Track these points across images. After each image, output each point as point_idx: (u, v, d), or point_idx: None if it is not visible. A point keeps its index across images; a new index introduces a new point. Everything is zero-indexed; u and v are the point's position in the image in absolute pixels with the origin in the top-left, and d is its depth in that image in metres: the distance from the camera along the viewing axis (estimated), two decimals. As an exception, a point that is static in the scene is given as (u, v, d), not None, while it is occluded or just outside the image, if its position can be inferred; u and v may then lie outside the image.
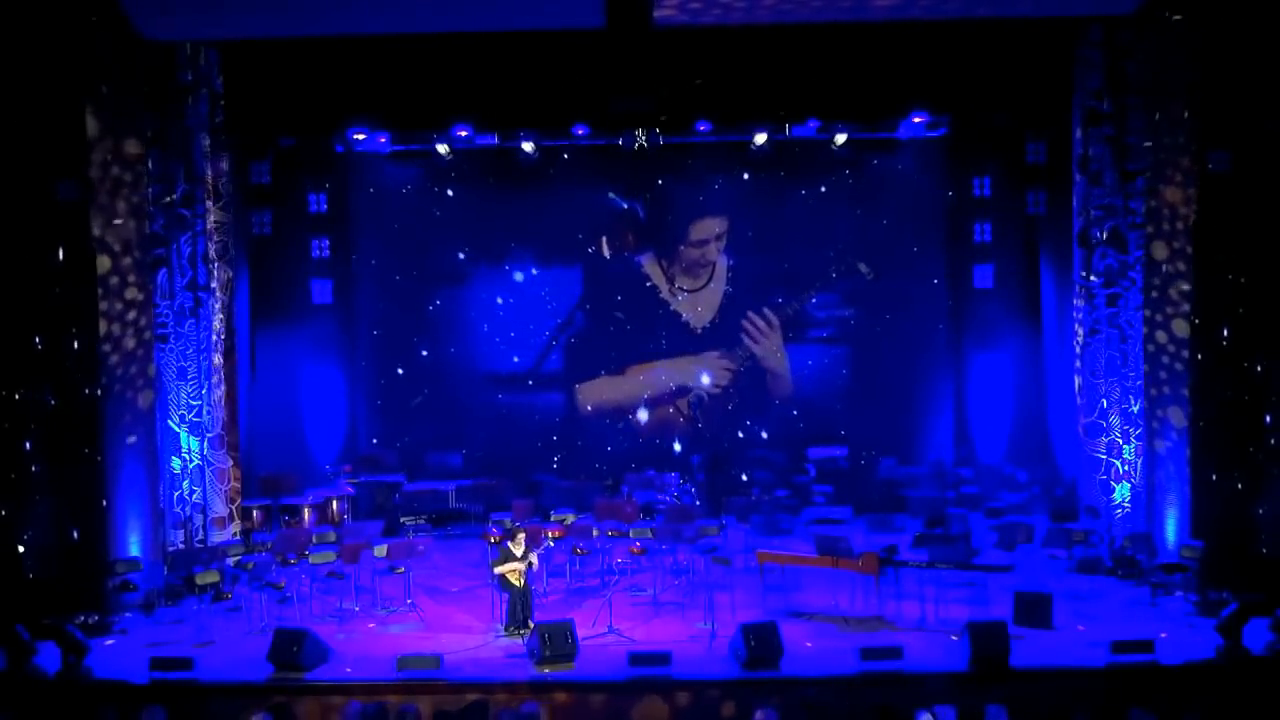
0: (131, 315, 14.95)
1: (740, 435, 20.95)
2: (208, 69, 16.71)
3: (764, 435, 20.87)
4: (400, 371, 20.94)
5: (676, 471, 19.84)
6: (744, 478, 19.86)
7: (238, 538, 16.90)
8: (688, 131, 19.44)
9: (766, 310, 20.93)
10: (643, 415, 21.03)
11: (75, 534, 14.27)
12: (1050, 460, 19.25)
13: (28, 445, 14.15)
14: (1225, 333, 14.22)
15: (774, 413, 21.06)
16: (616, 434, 21.06)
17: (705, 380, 20.98)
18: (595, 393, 21.18)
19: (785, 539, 17.27)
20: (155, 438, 15.54)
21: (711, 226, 20.95)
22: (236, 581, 15.15)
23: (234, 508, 17.28)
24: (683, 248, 21.00)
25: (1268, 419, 14.09)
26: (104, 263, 14.47)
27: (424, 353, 20.96)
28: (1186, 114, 14.46)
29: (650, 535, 15.45)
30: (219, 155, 17.14)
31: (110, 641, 13.55)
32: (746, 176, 20.66)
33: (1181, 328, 14.67)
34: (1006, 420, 20.31)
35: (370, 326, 21.00)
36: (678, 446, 20.94)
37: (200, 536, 16.71)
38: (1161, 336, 15.07)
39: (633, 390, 21.15)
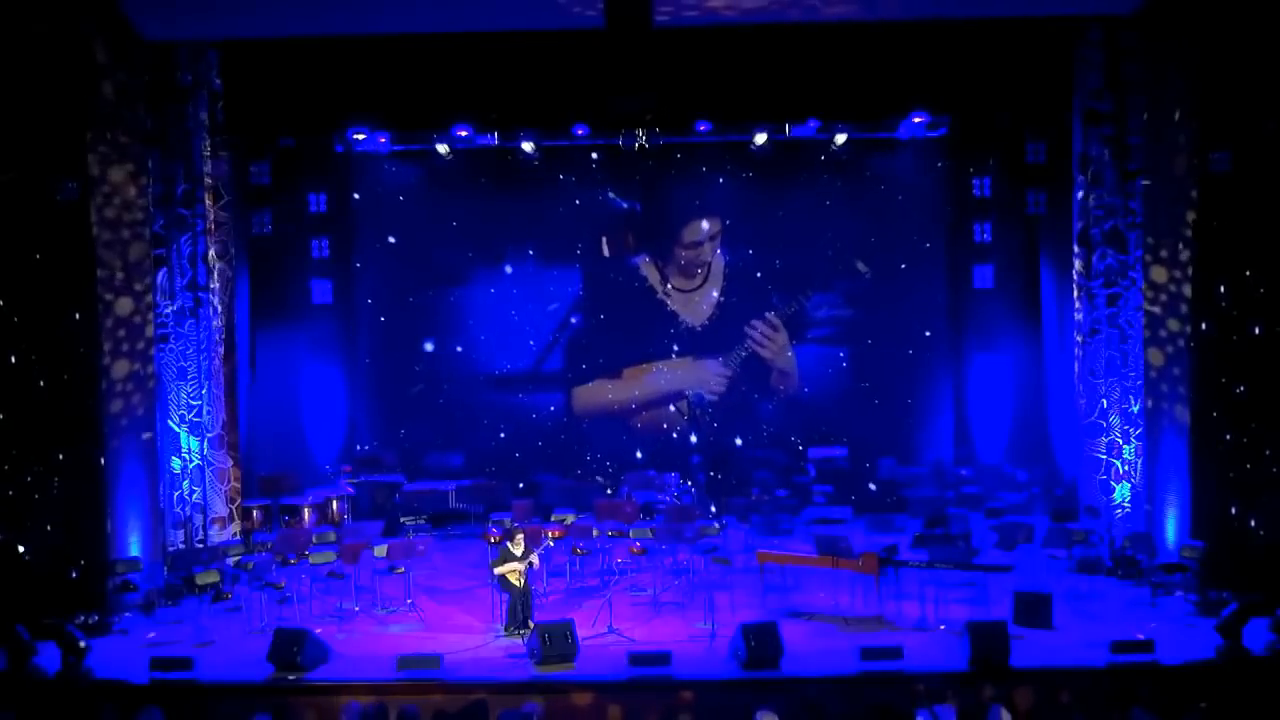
0: (131, 315, 14.94)
1: (740, 435, 20.94)
2: (207, 69, 16.73)
3: (772, 436, 20.87)
4: (400, 371, 20.95)
5: (676, 471, 19.86)
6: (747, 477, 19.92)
7: (238, 538, 16.92)
8: (687, 131, 19.45)
9: (769, 315, 20.93)
10: (642, 416, 21.06)
11: (75, 534, 14.27)
12: (1050, 460, 19.25)
13: (28, 445, 14.15)
14: (1225, 332, 14.20)
15: (774, 413, 21.07)
16: (616, 434, 21.06)
17: (701, 387, 20.99)
18: (593, 394, 21.19)
19: (785, 539, 17.28)
20: (155, 437, 15.53)
21: (704, 227, 20.95)
22: (236, 581, 15.14)
23: (234, 508, 17.30)
24: (677, 248, 21.01)
25: (1268, 419, 14.09)
26: (104, 263, 14.46)
27: (427, 350, 20.96)
28: (1187, 114, 14.45)
29: (650, 535, 15.45)
30: (219, 155, 17.16)
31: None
32: (747, 176, 20.65)
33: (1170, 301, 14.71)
34: (1006, 420, 20.32)
35: (370, 326, 21.01)
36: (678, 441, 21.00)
37: (200, 536, 16.72)
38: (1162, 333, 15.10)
39: (631, 391, 21.15)
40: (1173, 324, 14.80)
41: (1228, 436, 14.16)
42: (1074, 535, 15.52)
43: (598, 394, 21.19)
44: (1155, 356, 15.11)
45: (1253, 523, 14.02)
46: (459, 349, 21.06)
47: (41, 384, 14.19)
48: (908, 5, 15.53)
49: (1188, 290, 14.48)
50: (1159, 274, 14.99)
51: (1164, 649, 12.06)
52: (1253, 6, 13.84)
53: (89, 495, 14.37)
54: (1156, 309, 15.07)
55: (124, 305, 14.82)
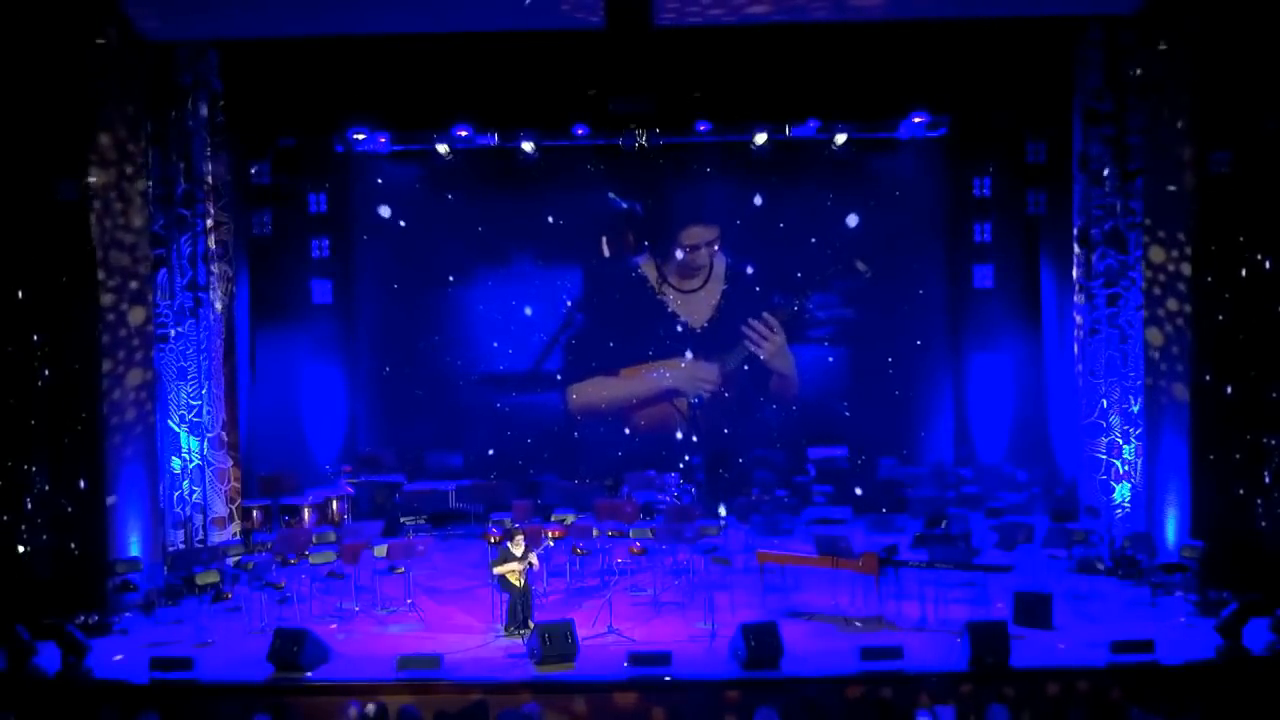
0: (131, 315, 14.94)
1: (739, 435, 20.94)
2: (207, 69, 16.71)
3: (771, 436, 20.85)
4: (400, 371, 20.94)
5: (676, 471, 19.85)
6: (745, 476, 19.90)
7: (238, 538, 16.90)
8: (688, 131, 19.43)
9: (766, 315, 20.93)
10: (642, 416, 21.07)
11: (75, 534, 14.27)
12: (1050, 460, 19.25)
13: (28, 445, 14.15)
14: (1225, 333, 14.21)
15: (774, 413, 21.06)
16: (616, 434, 21.06)
17: (702, 387, 21.01)
18: (591, 393, 21.19)
19: (785, 539, 17.27)
20: (155, 438, 15.54)
21: (701, 233, 20.93)
22: (236, 581, 15.14)
23: (234, 508, 17.28)
24: (677, 248, 21.01)
25: (1267, 420, 14.09)
26: (104, 262, 14.46)
27: (424, 352, 20.96)
28: (1186, 114, 14.45)
29: (650, 535, 15.44)
30: (219, 155, 17.14)
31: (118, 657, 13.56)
32: (746, 176, 20.62)
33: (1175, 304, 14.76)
34: (1006, 420, 20.31)
35: (370, 326, 21.00)
36: (679, 436, 20.99)
37: (200, 536, 16.72)
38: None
39: (631, 391, 21.16)
40: (1171, 304, 14.81)
41: (1227, 423, 14.16)
42: (1074, 535, 15.51)
43: (598, 394, 21.19)
44: (1154, 336, 15.11)
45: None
46: (459, 348, 21.05)
47: (41, 383, 14.20)
48: (909, 5, 15.51)
49: (1186, 269, 14.48)
50: (1158, 255, 14.98)
51: (1164, 649, 12.05)
52: (1252, 7, 13.84)
53: (89, 495, 14.37)
54: (1156, 289, 15.06)
55: (125, 306, 14.82)
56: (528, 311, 21.06)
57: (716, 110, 18.78)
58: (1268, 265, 14.05)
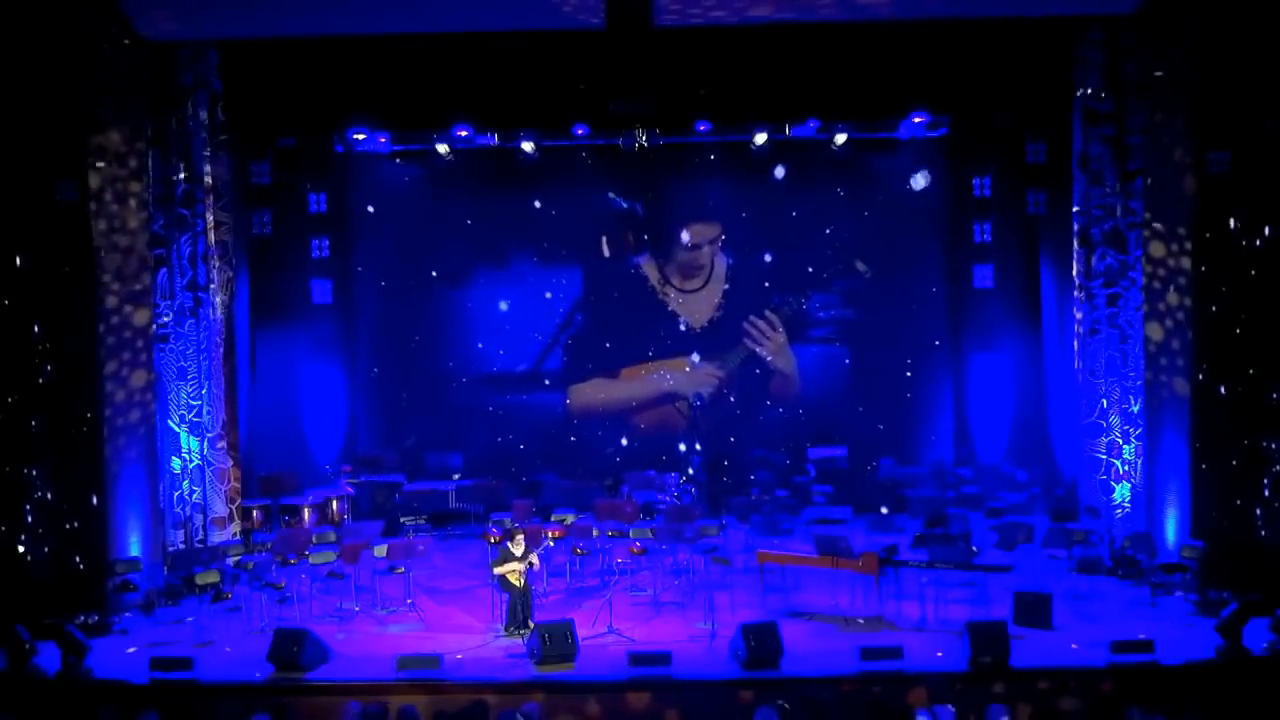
0: (131, 316, 14.94)
1: (740, 435, 20.94)
2: (207, 69, 16.72)
3: (772, 436, 20.82)
4: (400, 371, 20.94)
5: (676, 471, 19.85)
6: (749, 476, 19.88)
7: (238, 538, 16.91)
8: (688, 131, 19.43)
9: (768, 312, 20.94)
10: (643, 417, 21.08)
11: (76, 534, 14.27)
12: (1050, 460, 19.25)
13: (28, 446, 14.15)
14: (1225, 333, 14.21)
15: (774, 413, 21.06)
16: (616, 435, 21.05)
17: (702, 387, 21.01)
18: (591, 394, 21.18)
19: (785, 539, 17.27)
20: (155, 438, 15.54)
21: (703, 231, 20.94)
22: (236, 581, 15.14)
23: (234, 508, 17.29)
24: (678, 249, 21.01)
25: (1268, 420, 14.09)
26: (103, 262, 14.46)
27: (424, 352, 20.96)
28: (1186, 114, 14.46)
29: (650, 535, 15.44)
30: (219, 155, 17.15)
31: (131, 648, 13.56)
32: (747, 176, 20.63)
33: (1175, 298, 14.75)
34: (1006, 420, 20.32)
35: (370, 326, 21.00)
36: (681, 447, 20.97)
37: (200, 536, 16.73)
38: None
39: (631, 391, 21.15)
40: (1172, 298, 14.82)
41: (1227, 423, 14.17)
42: (1074, 535, 15.50)
43: (598, 394, 21.19)
44: (1155, 331, 15.10)
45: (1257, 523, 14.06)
46: (457, 348, 21.05)
47: (41, 383, 14.20)
48: (912, 4, 15.52)
49: (1186, 264, 14.49)
50: (1158, 249, 14.97)
51: (1164, 649, 12.05)
52: (1252, 7, 13.85)
53: (89, 495, 14.37)
54: (1155, 284, 15.07)
55: (127, 308, 14.82)
56: (504, 306, 21.02)
57: (716, 110, 18.79)
58: (1267, 261, 14.04)
